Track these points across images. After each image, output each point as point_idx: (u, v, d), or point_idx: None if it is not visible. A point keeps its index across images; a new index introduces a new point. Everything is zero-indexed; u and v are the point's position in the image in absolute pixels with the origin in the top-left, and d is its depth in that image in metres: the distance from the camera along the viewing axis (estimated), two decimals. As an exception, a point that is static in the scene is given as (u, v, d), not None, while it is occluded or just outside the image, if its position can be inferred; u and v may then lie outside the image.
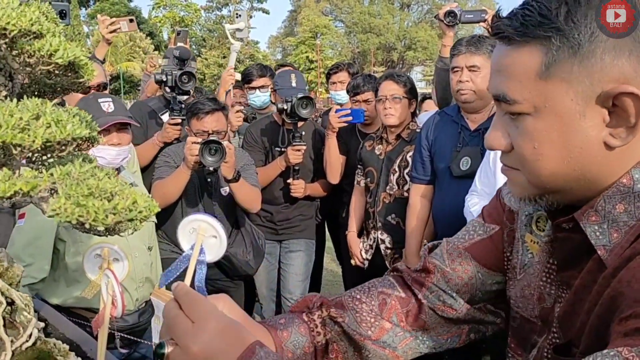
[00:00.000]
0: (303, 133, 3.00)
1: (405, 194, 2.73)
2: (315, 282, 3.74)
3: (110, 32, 3.11)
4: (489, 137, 0.77)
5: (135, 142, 2.88)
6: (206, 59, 40.42)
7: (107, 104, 2.00)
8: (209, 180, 2.71)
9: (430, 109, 4.47)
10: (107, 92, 2.89)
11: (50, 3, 2.85)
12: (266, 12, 54.36)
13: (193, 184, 2.70)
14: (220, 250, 0.77)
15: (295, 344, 0.89)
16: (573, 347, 0.72)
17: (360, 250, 2.95)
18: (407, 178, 2.73)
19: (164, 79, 2.86)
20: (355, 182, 3.01)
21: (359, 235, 3.01)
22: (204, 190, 2.74)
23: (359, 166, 2.97)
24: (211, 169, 2.50)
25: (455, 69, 2.42)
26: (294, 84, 3.05)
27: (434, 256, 0.98)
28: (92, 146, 0.90)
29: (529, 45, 0.68)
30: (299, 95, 2.88)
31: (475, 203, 2.17)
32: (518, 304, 0.87)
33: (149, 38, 40.61)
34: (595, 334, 0.66)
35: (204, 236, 0.76)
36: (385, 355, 0.94)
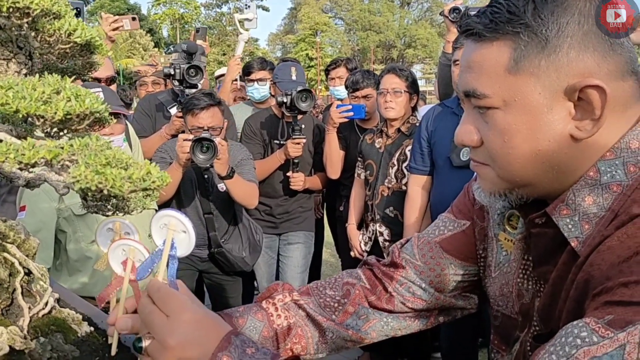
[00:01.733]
0: (303, 126, 3.02)
1: (404, 187, 2.76)
2: (314, 276, 3.78)
3: (113, 30, 3.14)
4: (458, 133, 0.79)
5: (144, 134, 2.93)
6: (207, 56, 40.34)
7: (97, 94, 2.02)
8: (205, 176, 2.68)
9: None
10: (114, 86, 2.92)
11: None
12: (266, 9, 54.35)
13: (190, 180, 2.69)
14: (189, 244, 0.79)
15: (252, 329, 0.91)
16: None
17: (359, 242, 2.99)
18: (405, 171, 2.76)
19: (172, 73, 2.90)
20: (356, 175, 3.05)
21: (359, 227, 3.04)
22: (200, 187, 2.72)
23: (359, 159, 3.00)
24: (204, 166, 2.46)
25: (458, 62, 2.46)
26: (294, 77, 3.07)
27: (404, 251, 1.00)
28: (103, 127, 0.95)
29: (498, 41, 0.71)
30: (299, 89, 2.91)
31: None
32: (498, 302, 0.89)
33: (148, 35, 40.59)
34: (572, 317, 0.69)
35: (174, 231, 0.77)
36: (349, 335, 0.96)
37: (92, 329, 0.86)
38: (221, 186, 2.68)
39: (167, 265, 0.80)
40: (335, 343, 0.97)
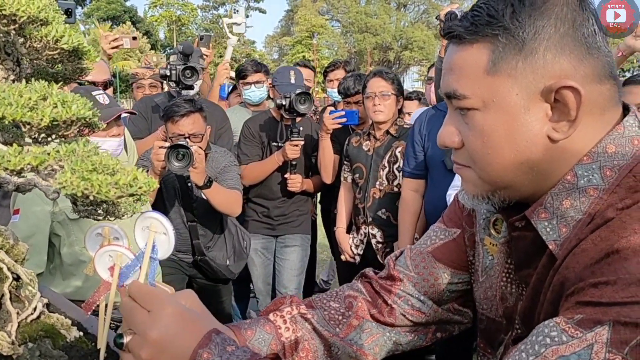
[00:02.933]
0: (301, 128, 3.04)
1: (395, 189, 2.77)
2: (309, 278, 3.78)
3: (113, 48, 3.15)
4: (441, 135, 0.80)
5: (140, 136, 2.92)
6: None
7: (102, 97, 2.02)
8: (189, 184, 2.63)
9: (410, 109, 4.38)
10: (110, 90, 2.92)
11: (57, 1, 2.88)
12: (263, 11, 54.45)
13: (173, 188, 2.67)
14: (169, 246, 0.79)
15: (261, 341, 0.90)
16: None
17: (350, 245, 2.98)
18: (397, 173, 2.77)
19: (168, 74, 2.90)
20: (342, 178, 3.05)
21: (349, 230, 3.04)
22: (184, 195, 2.69)
23: (345, 162, 3.00)
24: (179, 174, 2.42)
25: None
26: (292, 81, 3.09)
27: (398, 263, 1.01)
28: (93, 132, 0.95)
29: (478, 43, 0.72)
30: (298, 91, 2.92)
31: None
32: (483, 305, 0.90)
33: (145, 37, 40.55)
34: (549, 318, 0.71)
35: (155, 233, 0.77)
36: (353, 351, 0.96)
37: (81, 334, 0.86)
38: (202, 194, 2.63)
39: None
40: (341, 359, 0.97)
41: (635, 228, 0.64)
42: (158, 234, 0.77)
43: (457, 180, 2.29)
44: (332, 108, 3.18)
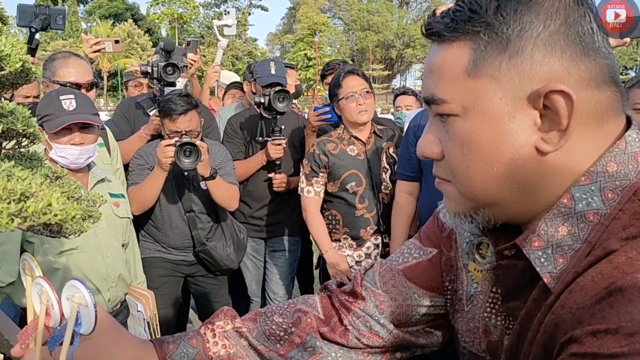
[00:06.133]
0: (282, 127, 2.94)
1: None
2: (306, 279, 3.71)
3: (94, 52, 3.08)
4: (420, 144, 0.72)
5: (122, 137, 2.86)
6: (204, 55, 40.37)
7: (68, 101, 1.91)
8: (185, 174, 2.64)
9: (403, 104, 4.47)
10: (94, 91, 2.82)
11: (48, 8, 2.76)
12: (265, 9, 54.39)
13: (170, 180, 2.66)
14: (90, 320, 0.70)
15: (183, 355, 0.84)
16: None
17: (348, 262, 2.67)
18: (400, 173, 2.62)
19: (149, 71, 2.82)
20: (304, 192, 2.68)
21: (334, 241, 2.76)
22: (181, 186, 2.69)
23: (320, 172, 2.64)
24: (188, 170, 2.50)
25: None
26: (273, 72, 2.97)
27: (366, 278, 0.92)
28: (33, 143, 0.85)
29: (458, 42, 0.64)
30: (276, 89, 2.81)
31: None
32: (464, 338, 0.81)
33: (147, 35, 40.56)
34: None
35: (79, 304, 0.69)
36: None
37: (13, 370, 0.78)
38: (202, 184, 2.66)
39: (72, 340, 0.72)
40: None
41: None
42: (82, 306, 0.68)
43: None
44: (317, 105, 3.07)
